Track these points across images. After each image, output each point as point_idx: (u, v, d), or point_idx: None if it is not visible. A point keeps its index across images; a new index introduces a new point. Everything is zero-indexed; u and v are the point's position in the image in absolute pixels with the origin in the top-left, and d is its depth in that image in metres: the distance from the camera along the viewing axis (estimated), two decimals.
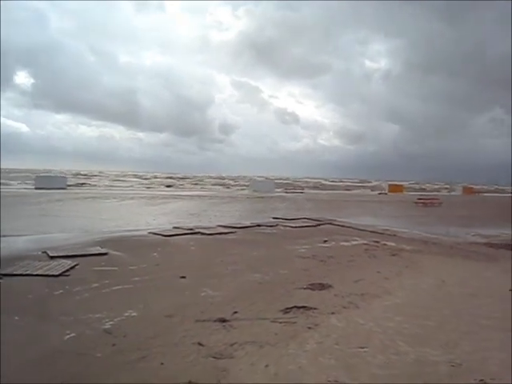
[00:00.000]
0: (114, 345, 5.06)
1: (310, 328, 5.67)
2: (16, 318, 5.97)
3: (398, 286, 8.10)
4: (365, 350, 4.99)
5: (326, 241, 13.38)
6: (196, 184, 73.33)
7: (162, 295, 7.26)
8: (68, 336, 5.32)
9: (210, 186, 68.03)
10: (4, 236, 13.09)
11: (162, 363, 4.57)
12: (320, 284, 7.97)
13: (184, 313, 6.27)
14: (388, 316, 6.23)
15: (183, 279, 8.29)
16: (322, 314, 6.26)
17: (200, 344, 5.04)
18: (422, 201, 37.05)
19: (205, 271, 9.01)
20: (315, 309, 6.46)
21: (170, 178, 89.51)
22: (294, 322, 5.89)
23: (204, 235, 14.17)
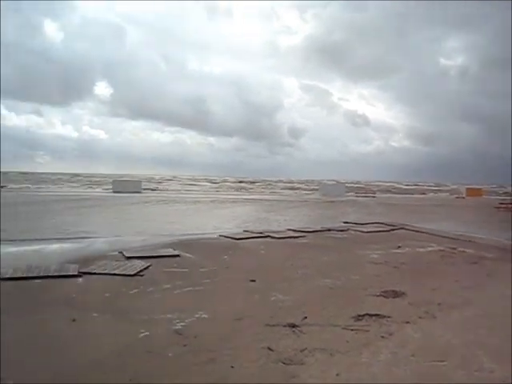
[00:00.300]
0: (184, 345, 5.12)
1: (383, 337, 5.44)
2: (94, 314, 6.21)
3: (479, 296, 7.61)
4: (443, 363, 4.69)
5: (399, 246, 12.91)
6: (266, 188, 73.81)
7: (231, 298, 7.29)
8: (142, 334, 5.45)
9: (280, 190, 68.14)
10: (84, 237, 13.80)
11: (232, 366, 4.54)
12: (393, 291, 7.65)
13: (253, 316, 6.25)
14: (469, 328, 5.85)
15: (253, 282, 8.29)
16: (396, 322, 5.99)
17: (269, 349, 4.97)
18: (504, 205, 34.69)
19: (275, 275, 8.96)
20: (389, 317, 6.20)
21: (240, 182, 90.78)
22: (367, 330, 5.68)
23: (274, 239, 14.14)
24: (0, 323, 5.72)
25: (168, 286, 7.89)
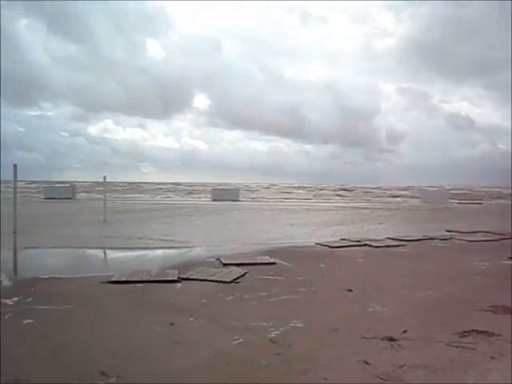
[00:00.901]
0: (278, 354, 5.08)
1: (492, 357, 4.98)
2: (191, 319, 6.40)
3: None
4: None
5: (510, 258, 11.89)
6: (363, 195, 72.04)
7: (327, 308, 7.14)
8: (236, 341, 5.50)
9: (378, 197, 66.12)
10: (183, 247, 14.35)
11: (325, 378, 4.42)
12: (504, 307, 7.01)
13: (350, 327, 6.06)
14: None
15: (350, 292, 8.06)
16: (507, 342, 5.47)
17: (366, 362, 4.77)
18: None
19: (372, 285, 8.65)
20: (499, 335, 5.67)
21: (337, 189, 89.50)
22: (473, 349, 5.24)
23: (372, 247, 13.72)
24: (103, 324, 6.11)
25: (264, 293, 7.92)
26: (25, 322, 6.26)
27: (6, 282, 8.75)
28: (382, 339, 5.49)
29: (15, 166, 13.78)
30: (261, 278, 9.22)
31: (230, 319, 6.41)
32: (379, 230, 19.71)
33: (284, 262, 10.95)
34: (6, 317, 6.50)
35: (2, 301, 7.33)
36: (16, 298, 7.47)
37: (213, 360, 4.92)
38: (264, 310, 6.96)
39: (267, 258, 11.53)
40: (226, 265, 10.55)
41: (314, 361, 4.86)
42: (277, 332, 5.83)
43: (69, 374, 4.57)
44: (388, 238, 15.61)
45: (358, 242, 14.64)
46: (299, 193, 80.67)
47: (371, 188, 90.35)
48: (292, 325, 6.15)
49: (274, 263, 10.84)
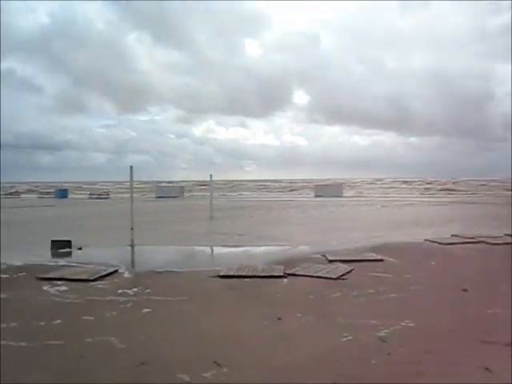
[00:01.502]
0: (389, 354, 4.90)
1: None
2: (298, 314, 6.40)
3: None
4: None
5: None
6: (475, 189, 67.40)
7: (440, 307, 6.77)
8: (344, 338, 5.40)
9: (492, 191, 61.35)
10: (287, 244, 14.43)
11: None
12: None
13: (466, 330, 5.67)
14: None
15: (465, 292, 7.57)
16: None
17: (487, 369, 4.41)
18: None
19: (491, 286, 8.04)
20: None
21: (446, 183, 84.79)
22: None
23: (488, 245, 12.77)
24: (214, 316, 6.33)
25: (372, 291, 7.71)
26: (144, 310, 6.71)
27: (126, 274, 9.41)
28: (506, 345, 5.06)
29: (131, 167, 14.88)
30: (368, 275, 8.99)
31: (337, 316, 6.32)
32: (495, 227, 18.28)
33: (391, 259, 10.58)
34: (128, 305, 7.03)
35: (124, 290, 7.94)
36: (135, 289, 8.03)
37: (321, 356, 4.88)
38: (372, 307, 6.77)
39: (373, 254, 11.23)
40: (331, 261, 10.43)
41: (427, 363, 4.62)
42: (386, 331, 5.63)
43: (183, 360, 4.81)
44: (507, 235, 14.41)
45: (472, 238, 13.72)
46: (404, 187, 77.67)
47: (485, 181, 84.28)
48: (403, 324, 5.91)
49: (381, 260, 10.52)
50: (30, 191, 79.21)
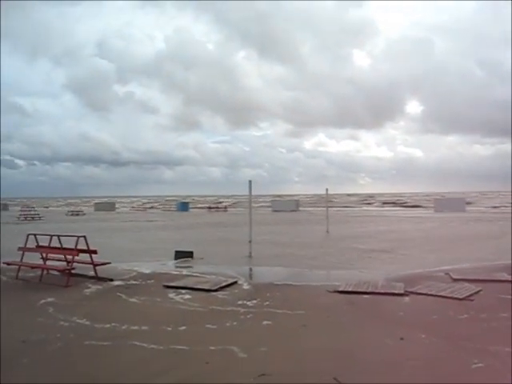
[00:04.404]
0: None
1: None
2: (422, 335, 6.09)
3: None
4: None
5: None
6: None
7: None
8: (475, 365, 5.00)
9: None
10: (406, 260, 13.81)
11: None
12: None
13: None
14: None
15: None
16: None
17: None
18: None
19: None
20: None
21: None
22: None
23: None
24: (334, 332, 6.24)
25: (504, 314, 7.06)
26: (263, 322, 6.85)
27: (245, 286, 9.69)
28: None
29: (250, 182, 15.38)
30: (498, 297, 8.29)
31: (465, 339, 5.89)
32: None
33: None
34: (248, 316, 7.24)
35: (244, 302, 8.21)
36: (254, 301, 8.23)
37: (449, 382, 4.59)
38: (507, 333, 6.18)
39: (504, 274, 10.34)
40: (456, 280, 9.80)
41: None
42: None
43: (303, 374, 4.83)
44: None
45: None
46: None
47: None
48: None
49: None
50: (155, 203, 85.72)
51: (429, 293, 8.59)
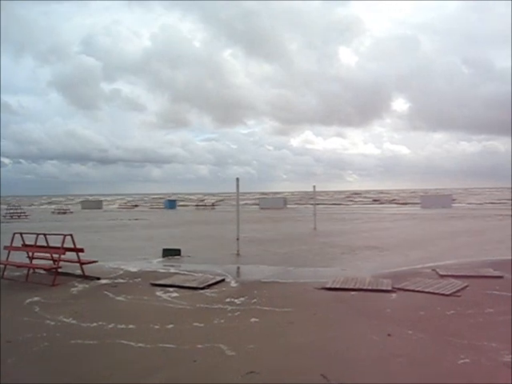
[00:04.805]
0: None
1: None
2: (409, 331, 6.11)
3: None
4: None
5: None
6: None
7: None
8: (462, 361, 5.04)
9: None
10: (394, 256, 13.90)
11: None
12: None
13: None
14: None
15: None
16: None
17: None
18: None
19: None
20: None
21: None
22: None
23: None
24: (321, 329, 6.24)
25: (491, 310, 7.13)
26: (251, 320, 6.83)
27: (233, 283, 9.66)
28: None
29: (237, 179, 15.32)
30: (485, 293, 8.36)
31: (452, 335, 5.93)
32: None
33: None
34: (236, 314, 7.21)
35: (231, 299, 8.17)
36: (242, 298, 8.20)
37: (437, 378, 4.62)
38: (493, 329, 6.24)
39: (491, 270, 10.45)
40: (443, 276, 9.87)
41: None
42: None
43: (291, 371, 4.83)
44: None
45: None
46: None
47: None
48: None
49: (500, 277, 9.74)
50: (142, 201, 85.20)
51: (416, 289, 8.64)
